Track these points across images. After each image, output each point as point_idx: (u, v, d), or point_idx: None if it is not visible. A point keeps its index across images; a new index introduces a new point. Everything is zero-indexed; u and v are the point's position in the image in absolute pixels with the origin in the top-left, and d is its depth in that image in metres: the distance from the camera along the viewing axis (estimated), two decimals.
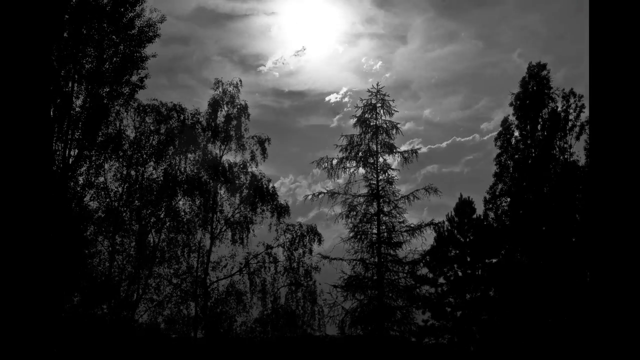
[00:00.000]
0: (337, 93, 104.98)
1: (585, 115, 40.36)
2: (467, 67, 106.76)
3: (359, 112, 31.86)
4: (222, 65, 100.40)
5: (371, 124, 31.77)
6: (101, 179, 34.23)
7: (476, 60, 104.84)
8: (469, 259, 40.93)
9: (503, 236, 39.91)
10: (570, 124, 40.41)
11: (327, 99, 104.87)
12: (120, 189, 35.29)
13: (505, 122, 41.65)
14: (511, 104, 41.65)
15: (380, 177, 31.37)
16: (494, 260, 40.58)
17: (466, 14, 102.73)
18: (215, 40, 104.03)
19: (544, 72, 41.08)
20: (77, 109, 30.50)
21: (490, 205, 41.01)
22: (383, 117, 31.86)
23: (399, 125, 31.73)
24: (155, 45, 32.98)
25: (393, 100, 32.09)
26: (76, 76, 30.40)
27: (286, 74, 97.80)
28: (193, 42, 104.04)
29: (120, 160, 34.88)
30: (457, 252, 41.17)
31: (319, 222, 39.77)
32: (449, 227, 41.52)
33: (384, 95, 31.90)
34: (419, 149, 32.76)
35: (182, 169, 37.79)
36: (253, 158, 39.28)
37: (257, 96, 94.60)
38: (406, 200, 31.29)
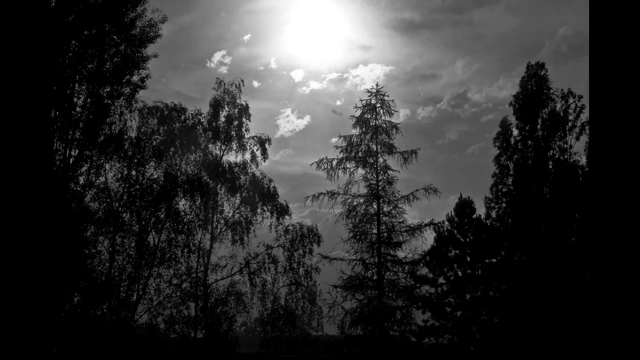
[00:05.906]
0: None
1: (585, 115, 40.34)
2: None
3: (358, 112, 31.74)
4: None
5: (371, 124, 31.66)
6: (102, 179, 34.24)
7: None
8: (469, 259, 40.86)
9: (503, 236, 39.88)
10: (570, 124, 40.36)
11: None
12: (120, 189, 35.26)
13: (504, 123, 41.60)
14: (510, 104, 41.61)
15: (380, 178, 31.30)
16: (494, 260, 40.53)
17: None
18: None
19: (543, 72, 41.06)
20: (78, 109, 30.49)
21: (492, 205, 40.97)
22: (383, 117, 31.77)
23: (399, 126, 31.66)
24: None
25: (392, 101, 32.03)
26: (77, 76, 30.38)
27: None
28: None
29: (121, 160, 34.85)
30: (457, 252, 41.09)
31: (319, 222, 39.72)
32: (449, 227, 41.44)
33: (384, 95, 31.83)
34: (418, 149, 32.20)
35: (183, 170, 37.77)
36: (253, 158, 39.25)
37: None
38: (406, 201, 31.24)
